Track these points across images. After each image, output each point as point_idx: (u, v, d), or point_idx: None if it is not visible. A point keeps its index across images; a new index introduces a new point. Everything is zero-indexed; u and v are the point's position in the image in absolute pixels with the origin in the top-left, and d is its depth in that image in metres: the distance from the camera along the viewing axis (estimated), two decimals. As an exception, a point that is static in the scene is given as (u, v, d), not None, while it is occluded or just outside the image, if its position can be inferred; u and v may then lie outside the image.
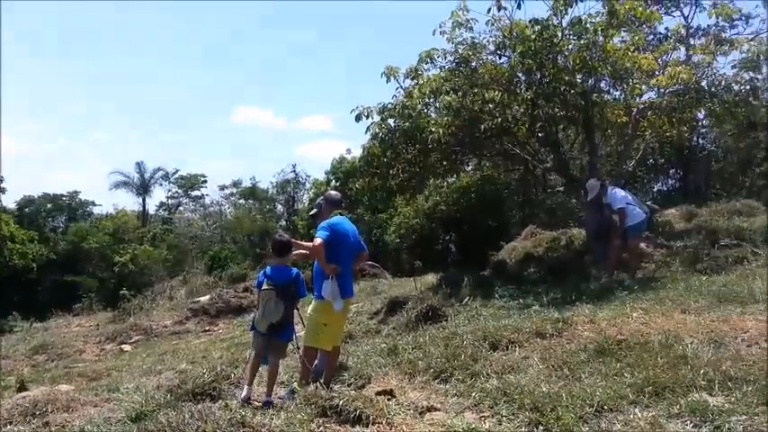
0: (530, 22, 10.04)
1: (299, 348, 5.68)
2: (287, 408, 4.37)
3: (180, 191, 48.02)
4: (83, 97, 76.64)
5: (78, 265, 35.12)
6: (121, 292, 20.04)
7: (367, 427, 4.00)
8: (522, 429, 3.90)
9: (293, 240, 5.84)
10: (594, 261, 10.40)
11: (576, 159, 14.06)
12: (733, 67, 10.94)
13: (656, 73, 10.68)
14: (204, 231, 40.09)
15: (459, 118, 10.53)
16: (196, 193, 48.04)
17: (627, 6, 10.05)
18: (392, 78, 10.89)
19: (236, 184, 42.95)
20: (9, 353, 12.70)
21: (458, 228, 19.34)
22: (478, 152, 12.59)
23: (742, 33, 18.14)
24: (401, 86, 11.00)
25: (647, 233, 10.44)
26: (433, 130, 10.21)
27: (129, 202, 56.44)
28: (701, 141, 21.65)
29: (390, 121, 10.80)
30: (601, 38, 10.01)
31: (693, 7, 19.38)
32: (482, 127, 10.40)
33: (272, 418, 4.05)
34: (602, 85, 11.33)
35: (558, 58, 10.20)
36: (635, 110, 11.01)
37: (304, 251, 5.87)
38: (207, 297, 16.07)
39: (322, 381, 5.12)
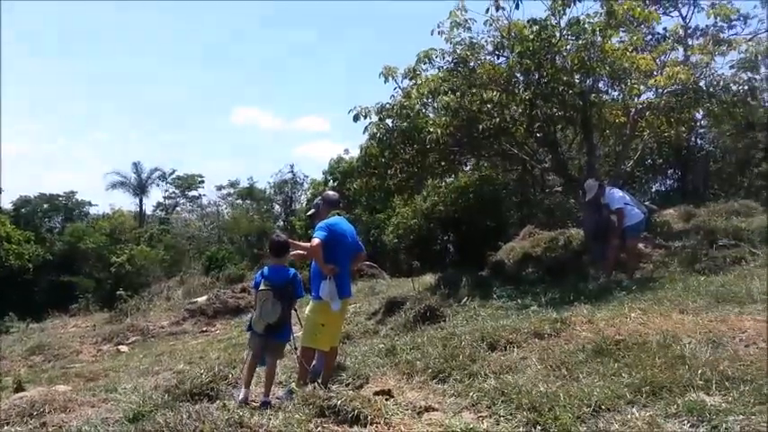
0: (528, 22, 10.05)
1: (296, 349, 5.66)
2: (285, 408, 4.37)
3: (177, 191, 47.92)
4: (83, 97, 76.67)
5: (75, 266, 35.04)
6: (118, 292, 19.96)
7: (365, 427, 4.00)
8: (520, 429, 3.90)
9: (291, 241, 5.82)
10: (593, 261, 10.41)
11: (575, 159, 14.08)
12: (731, 67, 10.99)
13: (655, 73, 10.69)
14: (201, 232, 40.08)
15: (458, 118, 10.52)
16: (193, 193, 48.02)
17: (625, 6, 10.07)
18: (390, 78, 10.88)
19: (233, 184, 42.93)
20: (6, 353, 12.66)
21: (456, 228, 19.35)
22: (477, 152, 12.59)
23: (740, 34, 18.24)
24: (399, 86, 11.01)
25: (645, 233, 10.45)
26: (431, 130, 10.21)
27: (125, 202, 56.74)
28: (699, 141, 21.72)
29: (388, 121, 10.80)
30: (599, 38, 10.02)
31: (692, 7, 19.48)
32: (480, 127, 10.40)
33: (270, 419, 4.04)
34: (601, 85, 11.33)
35: (557, 58, 10.21)
36: (633, 110, 11.02)
37: (302, 251, 5.85)
38: (204, 298, 16.02)
39: (320, 381, 5.11)
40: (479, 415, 4.26)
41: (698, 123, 16.21)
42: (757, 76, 10.80)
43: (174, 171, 46.12)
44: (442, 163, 11.92)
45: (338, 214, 5.87)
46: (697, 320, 5.70)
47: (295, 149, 75.94)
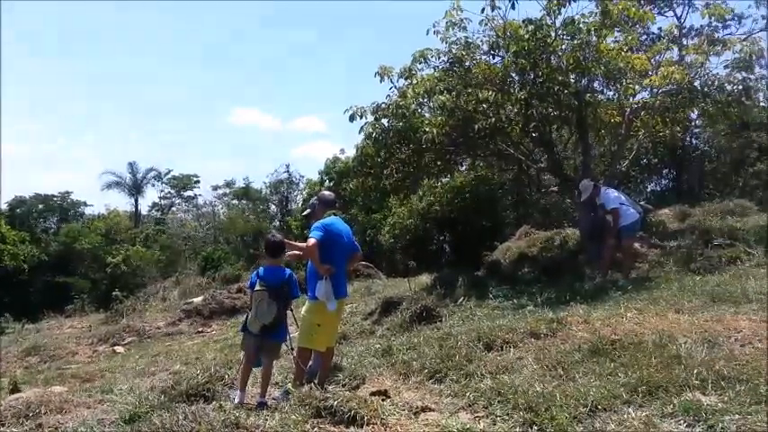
0: (523, 21, 10.07)
1: (293, 349, 5.66)
2: (281, 409, 4.36)
3: (172, 191, 47.80)
4: (82, 97, 76.44)
5: (70, 266, 34.91)
6: (114, 293, 19.83)
7: (361, 427, 4.00)
8: (517, 429, 3.90)
9: (286, 241, 5.80)
10: (588, 261, 10.42)
11: (570, 159, 14.13)
12: (726, 67, 11.04)
13: (650, 73, 10.72)
14: (197, 232, 39.95)
15: (453, 118, 10.53)
16: (189, 193, 47.89)
17: (620, 6, 10.10)
18: (386, 78, 10.88)
19: (229, 184, 42.76)
20: (1, 354, 12.60)
21: (452, 228, 19.37)
22: (472, 152, 12.60)
23: (734, 33, 18.40)
24: (395, 86, 11.01)
25: (640, 233, 10.46)
26: (427, 129, 10.21)
27: (121, 202, 56.34)
28: (694, 141, 21.83)
29: (384, 120, 10.80)
30: (594, 38, 10.06)
31: (686, 7, 19.58)
32: (476, 127, 10.40)
33: (267, 419, 4.04)
34: (596, 85, 11.38)
35: (552, 58, 10.23)
36: (628, 110, 11.05)
37: (297, 252, 5.85)
38: (200, 298, 15.97)
39: (316, 381, 5.10)
40: (476, 415, 4.26)
41: (693, 123, 16.32)
42: (752, 76, 10.87)
43: (169, 171, 46.11)
44: (438, 163, 11.92)
45: (334, 214, 5.85)
46: (693, 320, 5.71)
47: (294, 150, 75.91)
